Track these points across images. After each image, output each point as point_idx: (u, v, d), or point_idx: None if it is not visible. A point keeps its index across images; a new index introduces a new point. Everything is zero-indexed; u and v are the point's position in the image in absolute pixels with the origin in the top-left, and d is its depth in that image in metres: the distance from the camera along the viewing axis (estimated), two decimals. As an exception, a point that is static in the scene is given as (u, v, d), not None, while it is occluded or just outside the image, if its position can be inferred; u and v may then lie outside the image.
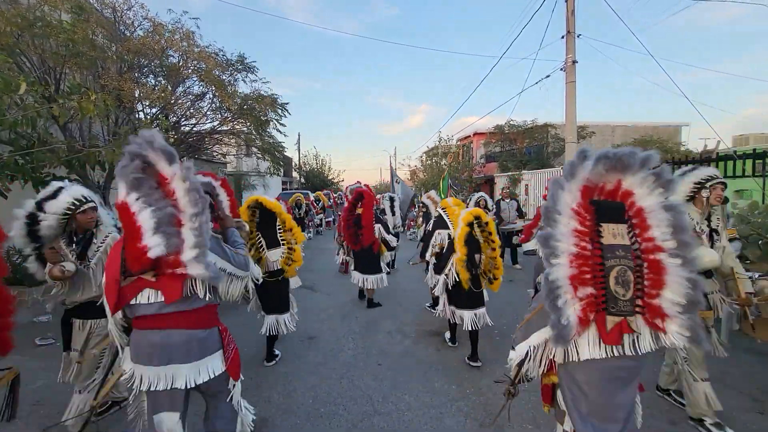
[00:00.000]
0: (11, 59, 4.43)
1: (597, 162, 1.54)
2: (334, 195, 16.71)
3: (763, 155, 6.70)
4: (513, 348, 1.78)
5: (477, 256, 3.63)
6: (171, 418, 1.79)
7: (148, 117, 7.35)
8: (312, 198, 14.92)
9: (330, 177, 33.36)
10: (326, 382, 3.29)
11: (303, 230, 5.23)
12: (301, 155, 32.90)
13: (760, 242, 4.73)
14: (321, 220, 14.97)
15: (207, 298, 1.81)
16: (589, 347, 1.48)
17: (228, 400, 1.96)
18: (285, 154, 15.13)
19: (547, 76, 10.01)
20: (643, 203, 1.54)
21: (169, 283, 1.69)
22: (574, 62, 9.04)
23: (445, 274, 3.74)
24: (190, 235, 1.67)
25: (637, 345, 1.47)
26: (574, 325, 1.44)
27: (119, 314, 1.77)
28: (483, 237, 3.65)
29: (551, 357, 1.64)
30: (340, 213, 9.46)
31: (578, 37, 9.07)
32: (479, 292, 3.72)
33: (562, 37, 9.14)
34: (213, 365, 1.83)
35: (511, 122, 19.25)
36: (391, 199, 7.24)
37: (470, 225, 3.54)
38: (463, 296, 3.67)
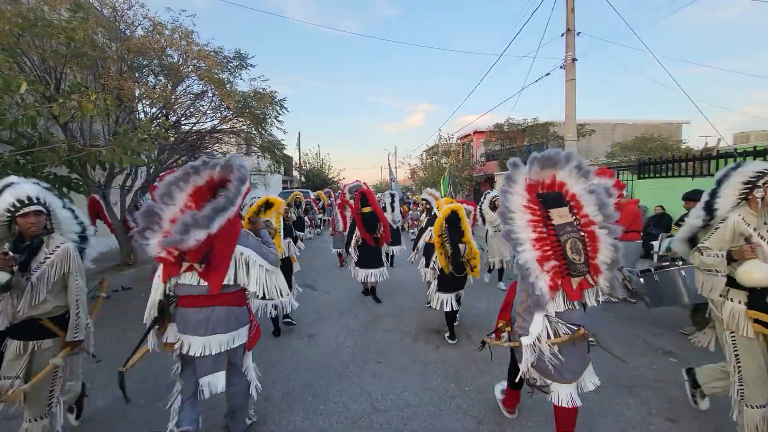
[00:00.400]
0: (11, 59, 4.44)
1: (532, 164, 2.08)
2: (335, 194, 16.71)
3: (763, 152, 6.68)
4: (522, 334, 2.14)
5: (461, 246, 3.98)
6: (218, 377, 2.21)
7: (149, 116, 7.36)
8: (312, 197, 14.90)
9: (330, 176, 33.38)
10: (325, 380, 3.31)
11: (302, 229, 5.29)
12: (301, 154, 32.91)
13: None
14: (320, 220, 14.95)
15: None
16: (554, 306, 1.99)
17: (242, 368, 2.41)
18: (285, 152, 15.14)
19: (547, 74, 10.00)
20: (574, 190, 2.07)
21: (214, 275, 2.14)
22: (574, 60, 9.03)
23: (432, 262, 4.23)
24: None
25: (592, 296, 2.03)
26: (547, 293, 1.92)
27: (162, 287, 2.19)
28: (457, 231, 3.98)
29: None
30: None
31: (578, 34, 9.05)
32: (462, 277, 4.11)
33: (562, 35, 9.12)
34: (242, 335, 2.31)
35: (511, 121, 19.23)
36: (392, 196, 7.57)
37: (447, 219, 3.90)
38: (446, 281, 4.07)
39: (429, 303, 4.61)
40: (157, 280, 2.21)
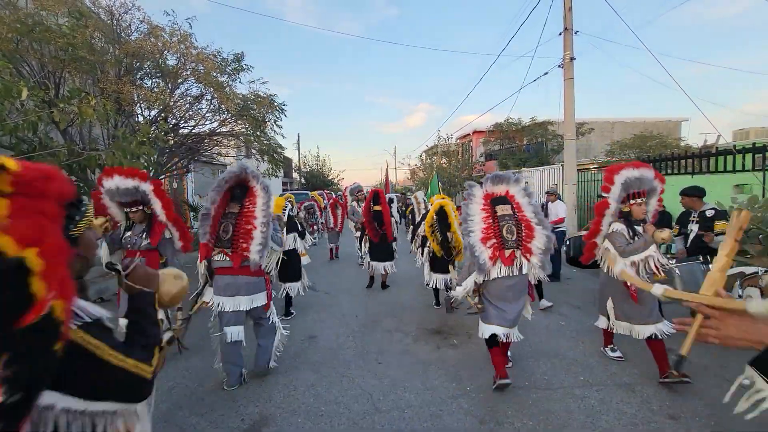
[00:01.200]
0: (11, 65, 4.45)
1: (489, 180, 3.23)
2: (335, 195, 16.57)
3: (762, 149, 6.67)
4: (459, 285, 3.26)
5: (449, 235, 4.71)
6: (238, 329, 3.14)
7: (147, 120, 7.37)
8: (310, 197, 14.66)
9: (330, 177, 33.37)
10: (327, 381, 3.31)
11: (303, 236, 5.35)
12: (301, 156, 32.90)
13: (760, 236, 4.73)
14: (320, 223, 14.71)
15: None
16: (496, 271, 2.96)
17: (269, 322, 3.38)
18: (284, 155, 15.11)
19: (545, 74, 10.02)
20: (519, 200, 3.14)
21: (235, 257, 3.09)
22: (572, 59, 9.04)
23: (427, 248, 5.09)
24: (258, 237, 3.07)
25: (519, 266, 2.97)
26: (487, 261, 2.95)
27: (205, 263, 3.11)
28: (445, 223, 4.74)
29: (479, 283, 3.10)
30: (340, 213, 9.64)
31: (576, 33, 9.07)
32: (450, 261, 4.88)
33: (560, 34, 9.14)
34: (259, 298, 3.23)
35: (510, 120, 19.24)
36: (390, 200, 8.00)
37: (437, 212, 4.70)
38: (437, 263, 4.95)
39: (427, 283, 5.26)
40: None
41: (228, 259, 3.09)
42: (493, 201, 3.14)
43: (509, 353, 3.49)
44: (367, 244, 6.46)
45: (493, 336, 3.07)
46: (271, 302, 3.37)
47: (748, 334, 0.89)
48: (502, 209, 3.09)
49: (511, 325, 3.07)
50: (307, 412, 2.85)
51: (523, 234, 3.00)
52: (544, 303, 5.03)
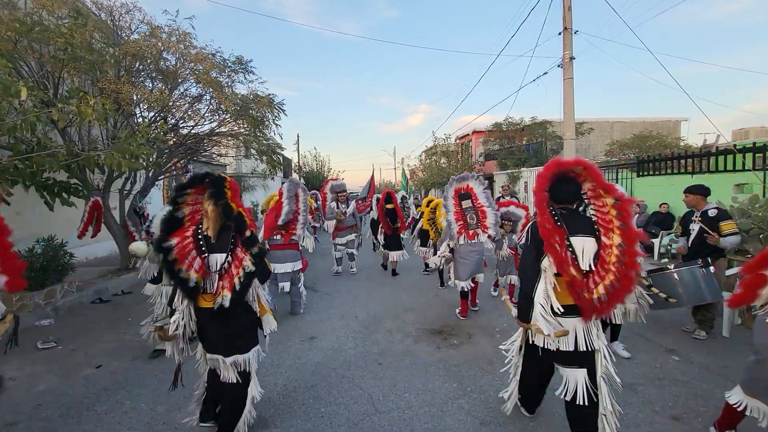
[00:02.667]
0: (11, 64, 4.43)
1: (456, 180, 4.69)
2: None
3: (763, 148, 6.67)
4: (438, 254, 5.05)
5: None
6: (286, 283, 4.88)
7: (147, 120, 7.34)
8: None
9: (330, 177, 33.32)
10: (327, 382, 3.29)
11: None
12: (300, 156, 32.86)
13: (761, 236, 4.72)
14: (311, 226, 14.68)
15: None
16: (462, 239, 4.51)
17: (299, 286, 5.09)
18: (284, 155, 15.08)
19: (545, 73, 10.00)
20: (476, 191, 4.61)
21: (286, 236, 4.87)
22: (572, 59, 9.03)
23: (430, 240, 6.51)
24: (301, 219, 4.99)
25: (481, 238, 4.50)
26: (456, 233, 4.50)
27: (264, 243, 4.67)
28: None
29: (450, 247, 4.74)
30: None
31: (575, 33, 9.06)
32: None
33: (559, 34, 9.13)
34: (297, 265, 4.96)
35: (510, 120, 19.23)
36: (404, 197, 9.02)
37: (433, 210, 6.16)
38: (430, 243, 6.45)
39: (426, 268, 7.51)
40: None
41: (281, 237, 4.83)
42: (459, 196, 4.61)
43: (477, 301, 5.20)
44: (382, 236, 7.58)
45: (462, 289, 4.70)
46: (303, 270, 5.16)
47: None
48: (465, 203, 4.57)
49: (475, 271, 4.65)
50: (307, 414, 2.83)
51: (480, 217, 4.54)
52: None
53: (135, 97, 7.03)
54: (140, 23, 6.82)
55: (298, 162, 32.44)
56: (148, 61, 6.74)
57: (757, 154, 6.77)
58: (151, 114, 7.62)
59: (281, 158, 10.60)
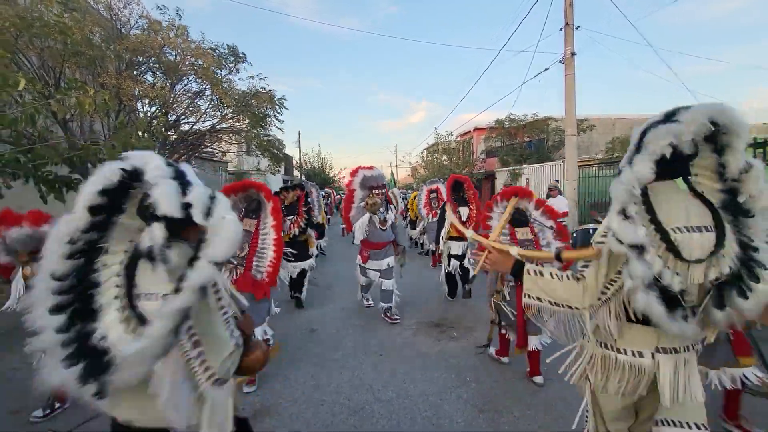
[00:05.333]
0: (9, 54, 4.44)
1: (428, 183, 7.36)
2: (336, 195, 16.50)
3: (763, 144, 6.66)
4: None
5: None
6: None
7: (148, 115, 7.37)
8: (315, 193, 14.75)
9: (331, 175, 33.36)
10: (327, 372, 3.32)
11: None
12: (302, 153, 32.88)
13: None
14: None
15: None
16: (430, 219, 6.83)
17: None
18: (285, 152, 15.11)
19: (546, 69, 9.98)
20: (442, 189, 6.69)
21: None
22: (573, 54, 9.01)
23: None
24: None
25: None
26: (424, 214, 6.99)
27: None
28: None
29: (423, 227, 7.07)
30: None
31: (577, 28, 9.04)
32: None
33: (561, 30, 9.11)
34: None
35: (512, 116, 19.16)
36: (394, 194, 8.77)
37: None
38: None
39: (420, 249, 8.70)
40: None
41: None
42: (430, 192, 6.88)
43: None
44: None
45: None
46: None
47: (501, 264, 1.64)
48: (433, 196, 6.74)
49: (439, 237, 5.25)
50: (308, 402, 2.86)
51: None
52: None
53: (137, 92, 7.07)
54: (139, 18, 6.84)
55: (300, 159, 32.45)
56: (149, 55, 6.77)
57: (757, 150, 6.76)
58: (153, 109, 7.66)
59: (283, 154, 10.60)
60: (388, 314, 4.58)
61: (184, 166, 1.16)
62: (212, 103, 8.81)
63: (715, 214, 1.29)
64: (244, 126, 9.37)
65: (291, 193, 4.99)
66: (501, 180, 17.91)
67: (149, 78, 7.64)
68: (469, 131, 23.71)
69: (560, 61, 9.27)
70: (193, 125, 9.05)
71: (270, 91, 8.77)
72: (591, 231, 4.38)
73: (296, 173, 33.00)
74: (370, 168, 4.60)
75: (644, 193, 1.29)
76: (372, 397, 2.91)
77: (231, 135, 10.34)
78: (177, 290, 0.93)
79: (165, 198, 0.96)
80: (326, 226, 9.58)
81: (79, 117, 5.81)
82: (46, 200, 5.36)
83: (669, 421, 1.39)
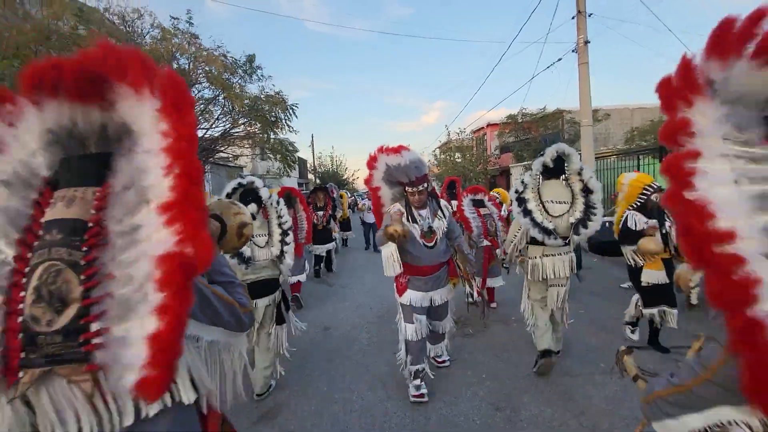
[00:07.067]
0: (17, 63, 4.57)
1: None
2: (349, 196, 16.46)
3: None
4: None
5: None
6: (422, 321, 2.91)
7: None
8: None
9: (345, 177, 33.50)
10: (341, 370, 3.30)
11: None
12: (315, 156, 33.13)
13: None
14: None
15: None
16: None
17: (441, 320, 3.11)
18: (298, 155, 15.20)
19: (559, 59, 9.76)
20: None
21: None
22: (586, 42, 8.77)
23: None
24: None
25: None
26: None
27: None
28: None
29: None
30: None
31: (590, 16, 8.80)
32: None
33: (573, 18, 8.88)
34: (444, 294, 2.95)
35: (525, 111, 18.84)
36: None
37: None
38: None
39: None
40: None
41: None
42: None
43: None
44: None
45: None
46: None
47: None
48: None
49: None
50: (321, 399, 2.84)
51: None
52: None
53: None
54: (151, 27, 6.98)
55: (313, 162, 32.70)
56: (162, 64, 6.90)
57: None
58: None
59: (295, 157, 10.64)
60: (437, 359, 3.32)
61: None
62: (224, 109, 8.95)
63: (573, 194, 3.03)
64: (256, 130, 9.47)
65: (321, 194, 6.77)
66: (516, 175, 17.60)
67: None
68: (483, 127, 23.44)
69: (573, 51, 9.04)
70: (206, 131, 9.21)
71: (281, 94, 8.84)
72: (607, 224, 4.35)
73: (310, 176, 33.28)
74: (396, 151, 2.72)
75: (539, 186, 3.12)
76: (385, 395, 2.87)
77: (243, 140, 10.47)
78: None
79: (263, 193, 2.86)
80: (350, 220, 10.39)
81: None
82: None
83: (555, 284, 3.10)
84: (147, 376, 0.70)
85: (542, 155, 3.08)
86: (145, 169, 0.77)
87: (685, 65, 0.84)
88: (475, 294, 3.13)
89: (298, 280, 5.07)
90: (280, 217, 2.99)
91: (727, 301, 0.70)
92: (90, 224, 0.77)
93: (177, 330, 0.72)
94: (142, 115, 0.78)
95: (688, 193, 0.79)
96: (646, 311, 3.32)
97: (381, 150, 2.81)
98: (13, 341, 0.72)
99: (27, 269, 0.75)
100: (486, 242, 4.39)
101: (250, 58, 8.56)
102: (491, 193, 6.27)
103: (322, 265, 6.93)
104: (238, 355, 1.16)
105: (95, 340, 0.72)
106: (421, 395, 2.74)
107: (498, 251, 4.39)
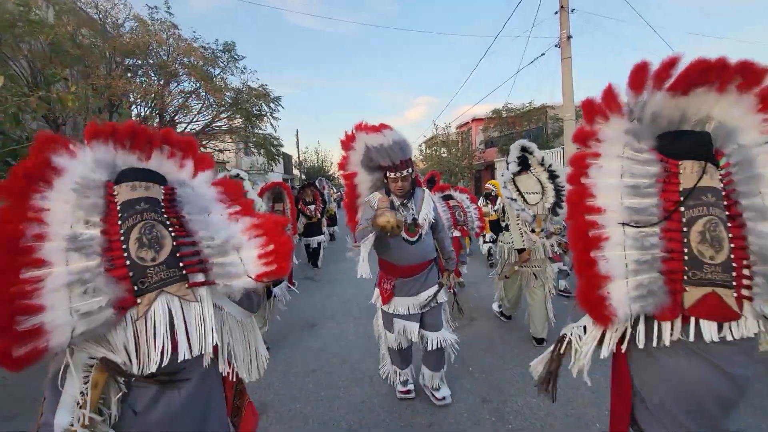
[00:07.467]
0: None
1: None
2: (335, 191, 16.36)
3: None
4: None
5: None
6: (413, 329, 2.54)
7: (140, 116, 7.28)
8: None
9: (330, 172, 33.29)
10: (327, 367, 3.26)
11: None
12: (300, 152, 32.77)
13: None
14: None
15: None
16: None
17: (436, 331, 2.56)
18: (283, 150, 14.98)
19: (543, 54, 9.84)
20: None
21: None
22: (569, 37, 8.86)
23: None
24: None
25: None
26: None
27: None
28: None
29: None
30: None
31: (572, 11, 8.87)
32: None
33: (556, 13, 8.95)
34: (435, 294, 2.53)
35: (509, 105, 18.99)
36: None
37: None
38: None
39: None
40: None
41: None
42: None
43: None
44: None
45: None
46: None
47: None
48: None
49: None
50: (307, 398, 2.79)
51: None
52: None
53: (131, 97, 6.96)
54: (127, 17, 6.74)
55: (298, 158, 32.35)
56: (137, 56, 6.66)
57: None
58: (146, 109, 7.57)
59: (280, 150, 10.47)
60: (435, 393, 2.64)
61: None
62: (206, 102, 8.72)
63: (541, 183, 3.43)
64: (239, 124, 9.27)
65: (309, 190, 7.20)
66: (501, 170, 17.77)
67: (141, 78, 7.54)
68: (468, 122, 23.53)
69: (556, 45, 9.12)
70: (188, 125, 8.97)
71: (262, 86, 8.66)
72: None
73: (296, 171, 32.93)
74: (377, 130, 2.31)
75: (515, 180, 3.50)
76: (372, 391, 2.84)
77: (226, 134, 10.24)
78: None
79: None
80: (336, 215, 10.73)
81: (72, 118, 5.72)
82: None
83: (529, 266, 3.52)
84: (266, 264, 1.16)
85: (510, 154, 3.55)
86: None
87: (609, 91, 1.23)
88: (448, 289, 2.76)
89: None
90: (257, 206, 3.48)
91: (580, 247, 1.18)
92: (162, 204, 1.18)
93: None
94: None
95: (583, 179, 1.20)
96: None
97: (359, 127, 2.38)
98: (126, 280, 1.02)
99: (122, 232, 1.06)
100: (456, 232, 4.50)
101: (228, 47, 8.30)
102: (486, 185, 7.16)
103: (320, 257, 7.41)
104: (252, 329, 1.36)
105: (192, 266, 1.10)
106: (408, 391, 2.68)
107: (466, 239, 4.86)
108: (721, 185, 1.14)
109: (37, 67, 5.65)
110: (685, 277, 1.09)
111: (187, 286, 1.08)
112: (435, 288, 2.52)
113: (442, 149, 22.46)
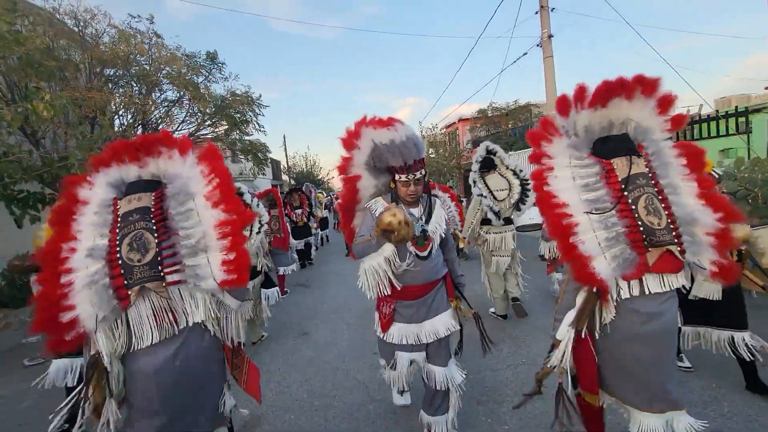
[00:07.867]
0: None
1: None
2: (325, 196, 16.27)
3: (745, 112, 6.70)
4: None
5: None
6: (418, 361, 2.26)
7: (122, 127, 7.15)
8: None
9: (320, 177, 33.13)
10: (321, 375, 3.22)
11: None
12: (288, 157, 32.57)
13: (748, 197, 4.70)
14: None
15: None
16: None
17: (442, 367, 2.18)
18: (271, 156, 14.83)
19: (525, 54, 9.94)
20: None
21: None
22: (550, 36, 8.97)
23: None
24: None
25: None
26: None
27: None
28: None
29: None
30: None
31: (552, 10, 8.99)
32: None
33: (536, 13, 9.05)
34: (445, 321, 2.16)
35: (494, 105, 19.16)
36: None
37: None
38: None
39: None
40: None
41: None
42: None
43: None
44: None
45: None
46: None
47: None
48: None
49: None
50: (301, 408, 2.75)
51: None
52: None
53: (113, 106, 6.82)
54: (107, 27, 6.62)
55: (287, 163, 32.14)
56: (117, 66, 6.54)
57: (740, 119, 6.80)
58: (128, 120, 7.44)
59: (267, 156, 10.33)
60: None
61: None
62: (191, 110, 8.61)
63: (508, 181, 3.97)
64: (223, 131, 9.17)
65: (296, 195, 7.61)
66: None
67: (123, 89, 7.41)
68: (454, 122, 23.66)
69: (538, 45, 9.22)
70: (173, 134, 8.84)
71: (247, 92, 8.59)
72: None
73: (284, 177, 32.71)
74: (388, 124, 1.95)
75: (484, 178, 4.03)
76: (367, 398, 2.81)
77: (212, 141, 10.12)
78: None
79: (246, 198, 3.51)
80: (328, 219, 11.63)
81: (51, 131, 5.57)
82: (20, 224, 5.09)
83: (500, 255, 4.05)
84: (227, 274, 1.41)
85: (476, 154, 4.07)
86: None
87: (545, 122, 1.63)
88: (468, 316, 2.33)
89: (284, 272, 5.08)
90: (261, 216, 3.62)
91: (558, 234, 1.46)
92: (152, 209, 1.46)
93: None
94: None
95: (544, 187, 1.53)
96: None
97: (365, 122, 1.98)
98: (119, 278, 1.32)
99: (118, 239, 1.37)
100: None
101: (211, 55, 8.23)
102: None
103: (312, 253, 8.15)
104: (239, 315, 1.66)
105: (169, 268, 1.36)
106: (406, 405, 2.57)
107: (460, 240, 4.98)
108: (647, 170, 1.50)
109: (13, 80, 5.51)
110: (645, 243, 1.41)
111: (164, 284, 1.35)
112: (449, 319, 2.10)
113: (430, 150, 22.54)
